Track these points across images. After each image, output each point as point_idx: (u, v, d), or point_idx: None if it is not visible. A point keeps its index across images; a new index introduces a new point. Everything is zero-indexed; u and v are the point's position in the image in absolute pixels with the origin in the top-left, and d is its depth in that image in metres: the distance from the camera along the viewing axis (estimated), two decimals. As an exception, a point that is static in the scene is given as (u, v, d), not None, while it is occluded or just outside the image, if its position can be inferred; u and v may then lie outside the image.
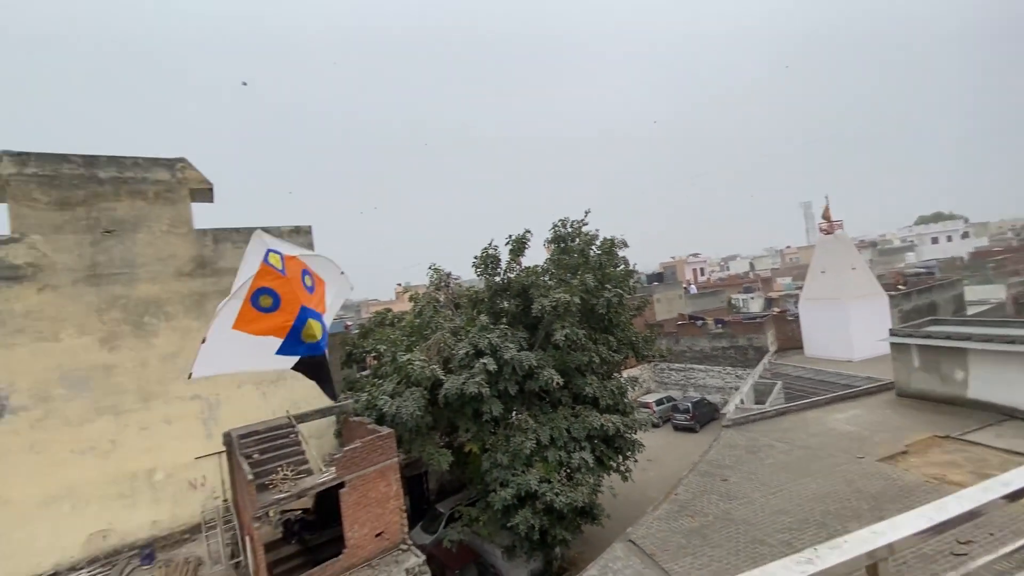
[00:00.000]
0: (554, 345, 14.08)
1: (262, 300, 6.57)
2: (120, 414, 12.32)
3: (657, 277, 48.78)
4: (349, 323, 36.87)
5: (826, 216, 26.45)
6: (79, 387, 11.94)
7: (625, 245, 17.44)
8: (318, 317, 7.04)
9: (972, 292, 36.26)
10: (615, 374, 16.15)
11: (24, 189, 11.81)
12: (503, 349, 12.96)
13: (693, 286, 54.17)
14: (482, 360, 12.55)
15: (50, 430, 11.52)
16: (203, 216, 14.38)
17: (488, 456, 13.06)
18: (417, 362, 12.59)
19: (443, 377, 12.52)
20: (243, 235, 14.39)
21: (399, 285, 65.78)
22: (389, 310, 21.39)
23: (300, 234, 15.33)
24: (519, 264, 16.08)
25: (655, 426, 27.24)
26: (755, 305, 47.39)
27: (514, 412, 13.90)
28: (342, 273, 7.85)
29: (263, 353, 6.66)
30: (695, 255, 79.69)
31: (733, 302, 47.96)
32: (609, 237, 17.36)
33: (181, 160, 13.55)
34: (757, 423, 12.89)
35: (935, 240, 73.97)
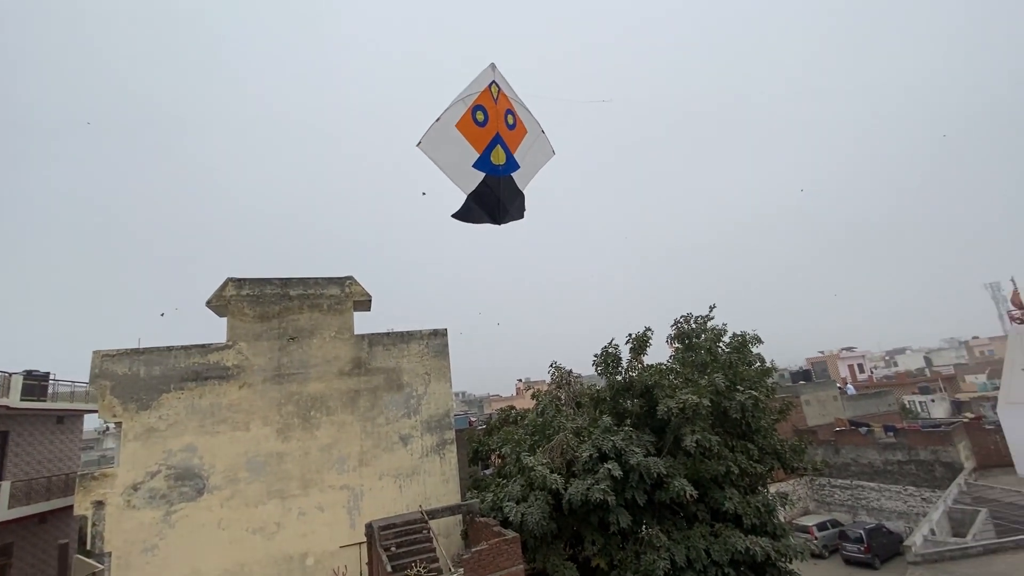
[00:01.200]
0: (685, 451, 13.22)
1: (478, 115, 7.39)
2: (285, 499, 14.03)
3: (804, 375, 43.27)
4: (474, 419, 37.92)
5: (1016, 302, 22.14)
6: (258, 471, 14.00)
7: (758, 340, 16.36)
8: (506, 148, 7.70)
9: None
10: (759, 488, 14.39)
11: (239, 307, 15.15)
12: (628, 453, 12.51)
13: (851, 386, 46.92)
14: (607, 464, 12.21)
15: (234, 509, 13.50)
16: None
17: (617, 574, 12.14)
18: (539, 467, 12.66)
19: (563, 488, 12.28)
20: (392, 339, 16.47)
21: (520, 381, 66.83)
22: (513, 407, 21.93)
23: (437, 336, 17.06)
24: (641, 363, 15.86)
25: (817, 556, 22.79)
26: (937, 409, 39.33)
27: (644, 525, 12.95)
28: (543, 132, 8.28)
29: (462, 159, 7.38)
30: (849, 349, 69.68)
31: (907, 406, 40.29)
32: (740, 332, 16.49)
33: (349, 278, 16.40)
34: (958, 561, 10.37)
35: None
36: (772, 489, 15.15)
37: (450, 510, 13.40)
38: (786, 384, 38.19)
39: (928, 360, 76.70)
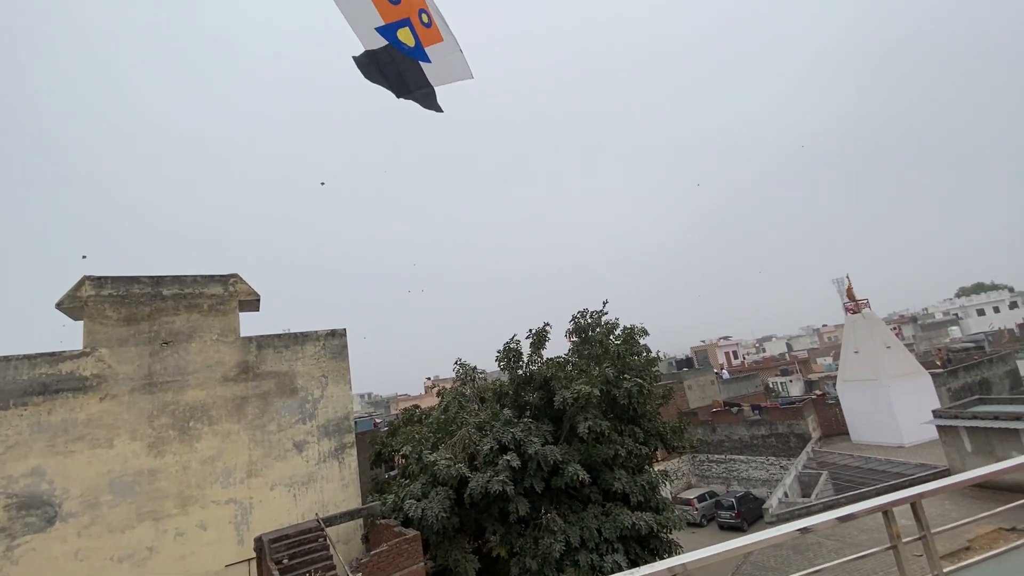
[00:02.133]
0: (579, 438, 14.08)
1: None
2: (159, 519, 12.70)
3: (687, 363, 47.78)
4: (378, 420, 36.94)
5: (849, 295, 26.38)
6: (125, 493, 12.52)
7: (645, 333, 17.81)
8: (416, 36, 7.21)
9: (1027, 366, 34.12)
10: (646, 468, 15.75)
11: (99, 308, 13.40)
12: (527, 443, 13.07)
13: (726, 371, 52.59)
14: (506, 456, 12.65)
15: (94, 537, 11.96)
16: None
17: (516, 561, 12.64)
18: (442, 461, 12.79)
19: (469, 475, 12.60)
20: (284, 340, 15.54)
21: (428, 379, 66.12)
22: (417, 407, 21.74)
23: (336, 337, 16.40)
24: (540, 357, 16.58)
25: (697, 524, 25.41)
26: (794, 388, 45.49)
27: (542, 511, 13.62)
28: (460, 51, 7.47)
29: (367, 17, 6.90)
30: (726, 338, 78.04)
31: (771, 386, 46.14)
32: (629, 326, 17.84)
33: (234, 276, 15.18)
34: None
35: (981, 312, 70.74)
36: (658, 468, 16.64)
37: (349, 515, 13.04)
38: (672, 372, 41.94)
39: (789, 346, 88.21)
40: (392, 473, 19.50)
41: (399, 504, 12.99)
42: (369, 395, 75.19)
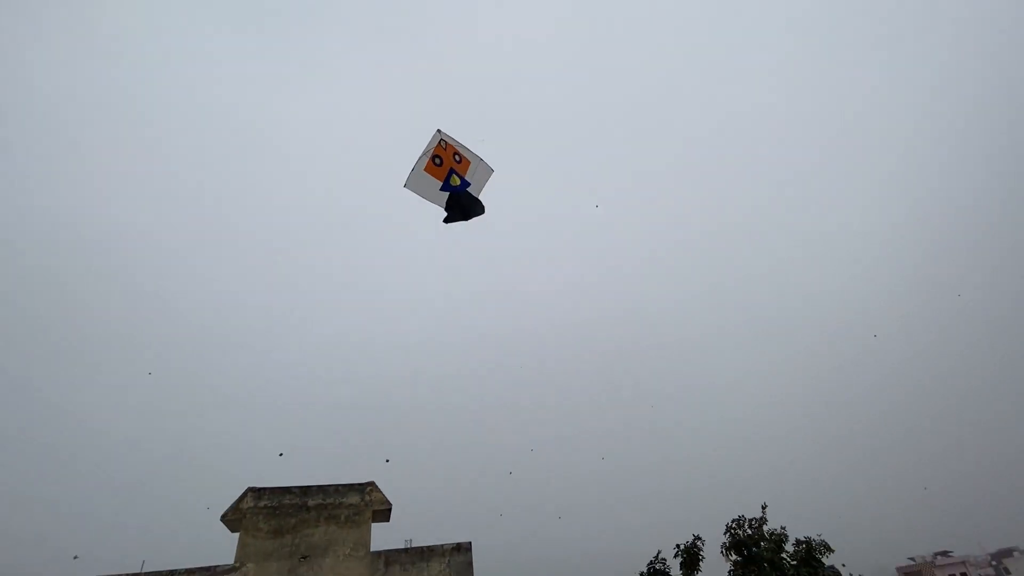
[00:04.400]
0: None
1: (436, 160, 11.66)
2: None
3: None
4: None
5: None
6: None
7: (828, 548, 14.25)
8: (459, 175, 11.90)
9: None
10: None
11: (254, 521, 14.33)
12: None
13: (961, 604, 38.35)
14: None
15: None
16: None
17: None
18: None
19: None
20: (411, 556, 14.91)
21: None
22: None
23: (461, 552, 15.40)
24: (696, 583, 13.70)
25: None
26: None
27: None
28: (482, 160, 12.00)
29: (433, 187, 11.79)
30: (944, 554, 59.07)
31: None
32: (804, 538, 14.49)
33: (370, 484, 15.69)
34: None
35: None
36: None
37: None
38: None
39: (1047, 565, 63.65)
40: None
41: None
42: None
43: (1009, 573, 63.85)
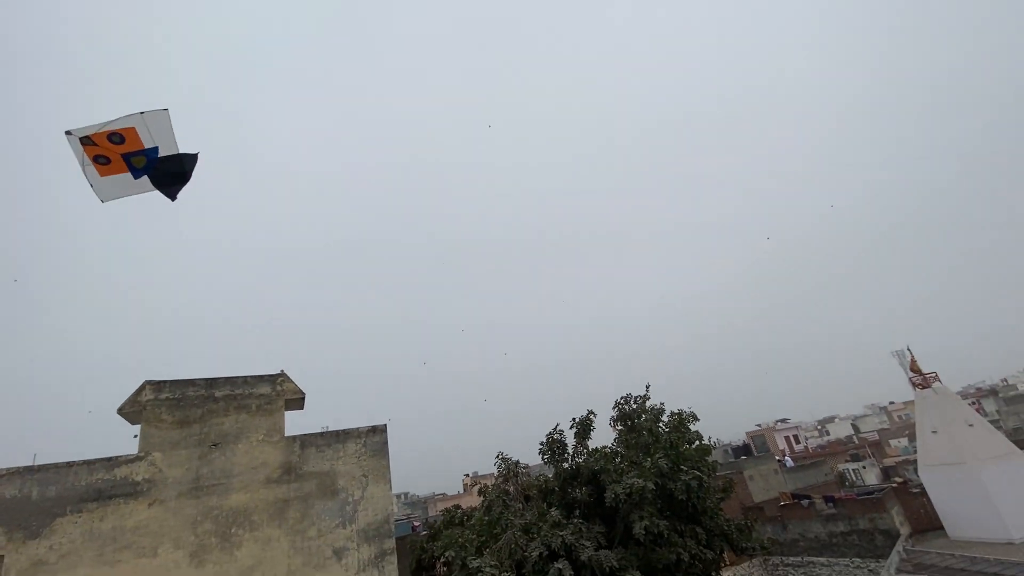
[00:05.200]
0: (635, 540, 12.96)
1: (100, 161, 8.76)
2: (194, 639, 12.08)
3: (744, 450, 44.32)
4: (417, 523, 35.00)
5: (914, 368, 24.58)
6: (163, 608, 12.10)
7: (695, 418, 16.93)
8: (136, 154, 9.05)
9: None
10: (712, 574, 14.14)
11: (156, 412, 13.93)
12: (579, 548, 12.11)
13: (789, 458, 48.32)
14: (556, 564, 11.70)
15: (128, 660, 11.41)
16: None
17: None
18: (488, 568, 11.92)
19: None
20: (326, 438, 15.48)
21: (467, 476, 63.41)
22: (458, 506, 20.71)
23: (376, 433, 16.26)
24: (586, 447, 15.86)
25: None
26: (869, 476, 41.14)
27: (600, 627, 12.23)
28: (140, 113, 9.06)
29: (128, 183, 8.87)
30: (784, 420, 72.66)
31: (844, 474, 41.84)
32: (677, 411, 17.03)
33: (281, 375, 15.63)
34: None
35: (1072, 381, 63.97)
36: (725, 574, 14.91)
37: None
38: (728, 460, 38.84)
39: (855, 427, 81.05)
40: (434, 583, 18.17)
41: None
42: (406, 495, 72.27)
43: (829, 434, 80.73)
